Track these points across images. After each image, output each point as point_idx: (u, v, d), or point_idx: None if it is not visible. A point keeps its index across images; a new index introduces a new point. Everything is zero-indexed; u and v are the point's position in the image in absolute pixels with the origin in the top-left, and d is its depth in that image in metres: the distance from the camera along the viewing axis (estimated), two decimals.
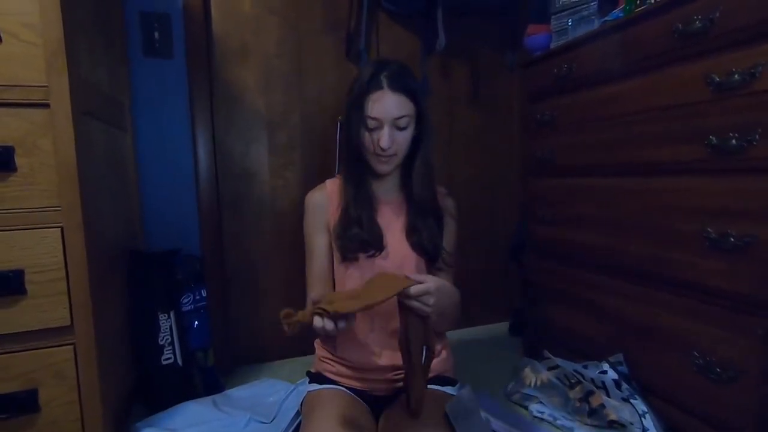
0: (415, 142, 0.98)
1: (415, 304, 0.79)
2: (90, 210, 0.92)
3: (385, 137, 0.91)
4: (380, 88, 0.92)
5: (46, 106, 0.85)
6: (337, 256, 1.00)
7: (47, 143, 0.86)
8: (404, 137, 0.95)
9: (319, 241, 1.02)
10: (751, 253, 0.86)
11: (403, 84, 0.93)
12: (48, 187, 0.86)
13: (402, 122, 0.93)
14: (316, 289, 1.02)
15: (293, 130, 1.64)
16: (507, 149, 1.94)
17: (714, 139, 0.91)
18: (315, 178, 1.52)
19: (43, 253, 0.86)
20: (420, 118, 0.97)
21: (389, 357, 0.96)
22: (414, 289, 0.78)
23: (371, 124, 0.93)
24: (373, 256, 0.97)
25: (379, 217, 1.00)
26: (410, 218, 1.01)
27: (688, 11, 0.95)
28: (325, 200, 1.03)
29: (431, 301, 0.80)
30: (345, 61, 1.63)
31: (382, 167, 0.96)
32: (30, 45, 0.83)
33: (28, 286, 0.85)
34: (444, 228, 1.03)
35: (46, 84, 0.84)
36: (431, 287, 0.80)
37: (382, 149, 0.92)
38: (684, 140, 0.98)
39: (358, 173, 1.01)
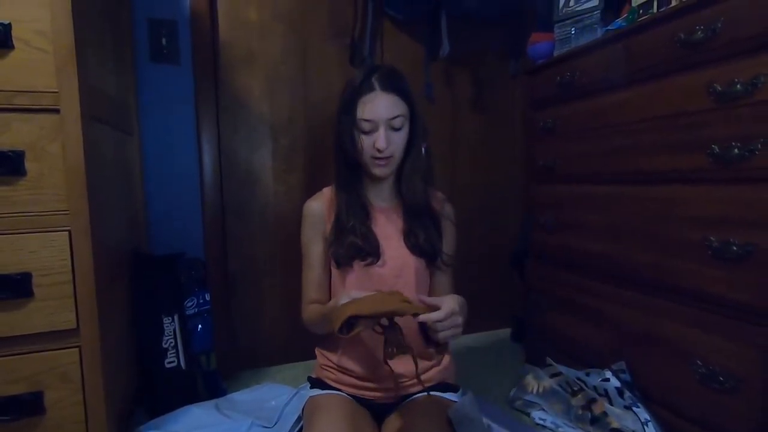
0: (410, 145, 0.98)
1: (447, 333, 0.76)
2: (97, 214, 0.92)
3: (381, 138, 0.91)
4: (372, 89, 0.91)
5: (56, 111, 0.86)
6: (333, 263, 1.00)
7: (56, 148, 0.86)
8: (400, 138, 0.94)
9: (315, 250, 1.02)
10: (753, 262, 0.86)
11: (394, 84, 0.92)
12: (56, 191, 0.87)
13: (396, 122, 0.92)
14: (311, 298, 1.01)
15: (297, 136, 1.65)
16: (509, 156, 1.95)
17: (716, 148, 0.91)
18: (318, 183, 1.53)
19: (51, 256, 0.87)
20: (413, 119, 0.96)
21: (393, 366, 0.96)
22: (441, 313, 0.75)
23: (366, 126, 0.92)
24: (370, 264, 0.96)
25: (375, 224, 0.99)
26: (406, 222, 1.00)
27: (690, 21, 0.96)
28: (322, 209, 1.02)
29: (459, 320, 0.78)
30: (349, 68, 1.64)
31: (379, 170, 0.95)
32: (41, 52, 0.84)
33: (35, 289, 0.86)
34: (443, 232, 1.02)
35: (56, 90, 0.85)
36: (455, 307, 0.77)
37: (379, 151, 0.92)
38: (686, 149, 0.99)
39: (352, 181, 1.00)
